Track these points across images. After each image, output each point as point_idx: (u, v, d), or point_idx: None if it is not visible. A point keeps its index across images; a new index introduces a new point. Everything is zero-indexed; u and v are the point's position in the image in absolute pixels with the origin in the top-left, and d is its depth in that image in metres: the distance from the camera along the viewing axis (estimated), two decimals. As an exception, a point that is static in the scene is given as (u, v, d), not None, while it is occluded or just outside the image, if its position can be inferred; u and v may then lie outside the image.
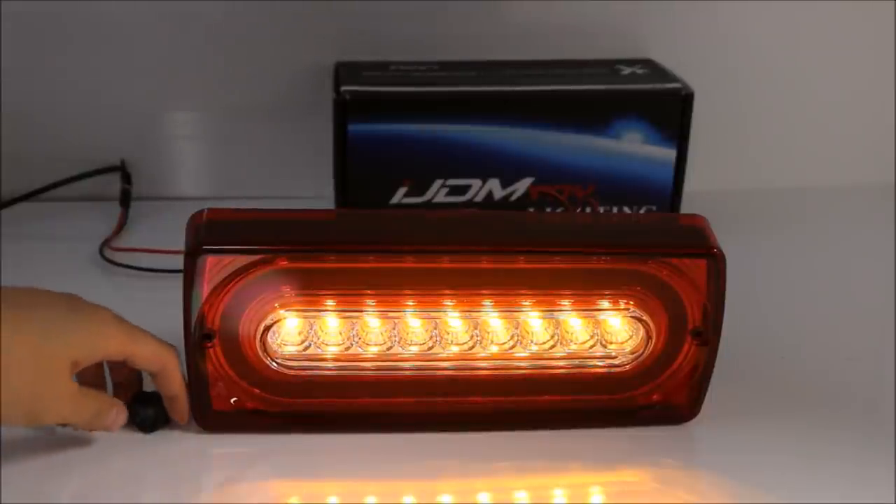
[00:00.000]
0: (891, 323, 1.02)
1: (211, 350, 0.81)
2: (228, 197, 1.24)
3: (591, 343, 0.86)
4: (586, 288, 0.85)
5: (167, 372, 0.81)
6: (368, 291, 0.83)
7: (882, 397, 0.92)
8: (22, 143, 1.21)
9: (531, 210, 1.14)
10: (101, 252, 1.12)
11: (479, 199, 1.15)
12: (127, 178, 1.23)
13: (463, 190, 1.14)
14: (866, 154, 1.34)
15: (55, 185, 1.19)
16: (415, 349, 0.85)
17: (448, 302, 0.84)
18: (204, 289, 0.79)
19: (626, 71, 1.18)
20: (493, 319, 0.85)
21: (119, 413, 0.81)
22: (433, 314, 0.84)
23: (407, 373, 0.86)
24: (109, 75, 1.21)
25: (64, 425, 0.81)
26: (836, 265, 1.16)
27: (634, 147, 1.14)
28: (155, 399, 0.83)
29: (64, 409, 0.77)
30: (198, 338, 0.80)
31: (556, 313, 0.85)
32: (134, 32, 1.20)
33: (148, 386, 0.84)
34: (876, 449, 0.85)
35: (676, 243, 0.84)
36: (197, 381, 0.82)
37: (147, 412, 0.83)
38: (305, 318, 0.83)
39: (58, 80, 1.21)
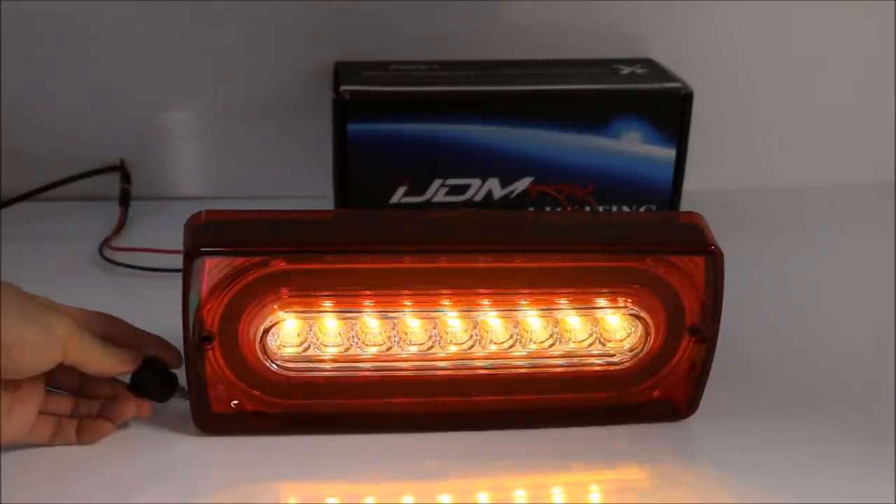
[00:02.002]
0: (891, 323, 1.02)
1: (210, 352, 0.81)
2: (228, 197, 1.24)
3: (589, 341, 0.86)
4: (585, 286, 0.85)
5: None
6: (367, 292, 0.83)
7: (882, 397, 0.92)
8: (22, 143, 1.21)
9: (530, 209, 1.14)
10: (100, 252, 1.12)
11: (478, 198, 1.15)
12: (126, 177, 1.23)
13: (462, 189, 1.14)
14: (866, 154, 1.34)
15: (55, 185, 1.19)
16: (414, 349, 0.85)
17: (447, 302, 0.84)
18: (203, 290, 0.79)
19: (626, 70, 1.18)
20: (492, 319, 0.85)
21: (125, 355, 0.82)
22: (432, 314, 0.84)
23: (406, 373, 0.86)
24: (109, 75, 1.21)
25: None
26: (836, 264, 1.16)
27: (634, 146, 1.14)
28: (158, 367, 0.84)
29: (100, 352, 0.80)
30: (197, 340, 0.80)
31: (554, 312, 0.85)
32: (134, 32, 1.20)
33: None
34: (875, 448, 0.85)
35: (674, 241, 0.84)
36: (196, 384, 0.82)
37: (146, 378, 0.83)
38: (304, 319, 0.83)
39: (58, 80, 1.21)
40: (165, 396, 0.84)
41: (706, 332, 0.84)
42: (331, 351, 0.84)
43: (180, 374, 0.83)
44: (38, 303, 0.78)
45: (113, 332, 0.83)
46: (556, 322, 0.86)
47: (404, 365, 0.86)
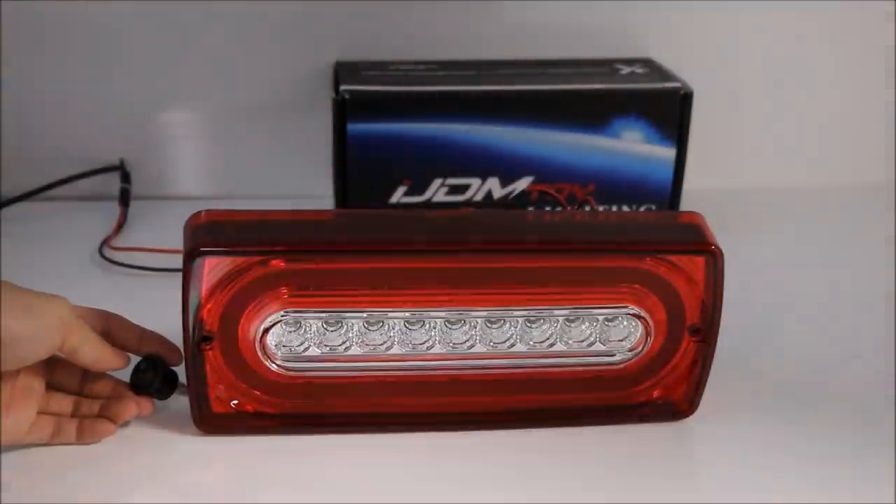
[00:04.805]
0: (891, 322, 1.02)
1: (210, 352, 0.81)
2: (228, 197, 1.24)
3: (589, 341, 0.86)
4: (585, 286, 0.85)
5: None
6: (367, 291, 0.83)
7: (882, 397, 0.92)
8: (22, 143, 1.21)
9: (530, 209, 1.14)
10: (100, 251, 1.12)
11: (478, 198, 1.15)
12: (126, 177, 1.23)
13: (462, 189, 1.14)
14: (866, 154, 1.34)
15: (55, 185, 1.19)
16: (413, 349, 0.85)
17: (447, 301, 0.84)
18: (203, 290, 0.79)
19: (626, 70, 1.18)
20: (493, 318, 0.85)
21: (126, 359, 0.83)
22: (432, 314, 0.84)
23: (406, 373, 0.86)
24: (109, 75, 1.22)
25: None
26: (835, 264, 1.17)
27: (634, 146, 1.14)
28: (158, 365, 0.84)
29: (95, 347, 0.79)
30: (197, 340, 0.80)
31: (555, 311, 0.85)
32: (134, 33, 1.20)
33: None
34: (875, 448, 0.85)
35: (675, 241, 0.84)
36: (196, 384, 0.82)
37: (147, 376, 0.83)
38: (304, 319, 0.83)
39: (58, 81, 1.21)
40: (166, 394, 0.84)
41: (706, 332, 0.84)
42: (331, 351, 0.84)
43: (180, 373, 0.83)
44: (36, 294, 0.78)
45: (114, 329, 0.83)
46: (556, 322, 0.86)
47: (404, 365, 0.86)
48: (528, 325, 0.85)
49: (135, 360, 0.84)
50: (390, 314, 0.84)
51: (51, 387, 0.82)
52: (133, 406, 0.83)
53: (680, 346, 0.86)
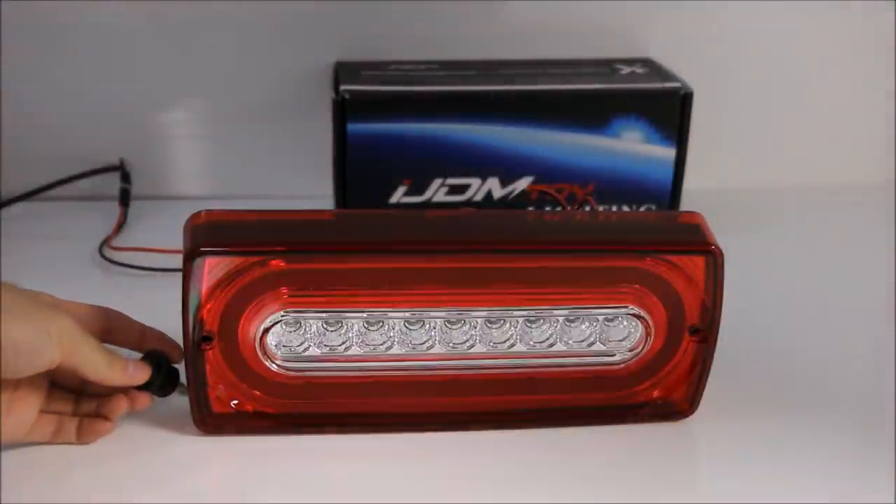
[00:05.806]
0: (891, 322, 1.02)
1: (210, 352, 0.81)
2: (228, 197, 1.24)
3: (589, 341, 0.86)
4: (585, 286, 0.85)
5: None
6: (367, 291, 0.83)
7: (882, 397, 0.92)
8: (22, 143, 1.21)
9: (530, 209, 1.14)
10: (100, 251, 1.12)
11: (478, 198, 1.15)
12: (126, 177, 1.23)
13: (462, 189, 1.14)
14: (866, 154, 1.34)
15: (55, 185, 1.19)
16: (413, 349, 0.85)
17: (446, 301, 0.84)
18: (203, 290, 0.79)
19: (626, 70, 1.18)
20: (493, 318, 0.85)
21: (136, 368, 0.81)
22: (432, 314, 0.84)
23: (406, 373, 0.86)
24: (109, 75, 1.22)
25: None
26: (835, 264, 1.16)
27: (634, 146, 1.14)
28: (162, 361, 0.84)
29: (99, 358, 0.78)
30: (196, 340, 0.80)
31: (555, 311, 0.85)
32: (134, 33, 1.20)
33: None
34: (875, 447, 0.85)
35: (675, 241, 0.84)
36: (196, 384, 0.82)
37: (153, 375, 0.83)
38: (304, 319, 0.83)
39: (58, 80, 1.21)
40: (168, 391, 0.84)
41: (706, 332, 0.84)
42: (331, 351, 0.84)
43: (181, 371, 0.83)
44: (39, 301, 0.78)
45: (114, 326, 0.83)
46: (556, 322, 0.86)
47: (404, 364, 0.85)
48: (528, 325, 0.85)
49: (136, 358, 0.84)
50: (390, 314, 0.84)
51: (53, 385, 0.82)
52: (124, 401, 0.82)
53: (680, 346, 0.86)
